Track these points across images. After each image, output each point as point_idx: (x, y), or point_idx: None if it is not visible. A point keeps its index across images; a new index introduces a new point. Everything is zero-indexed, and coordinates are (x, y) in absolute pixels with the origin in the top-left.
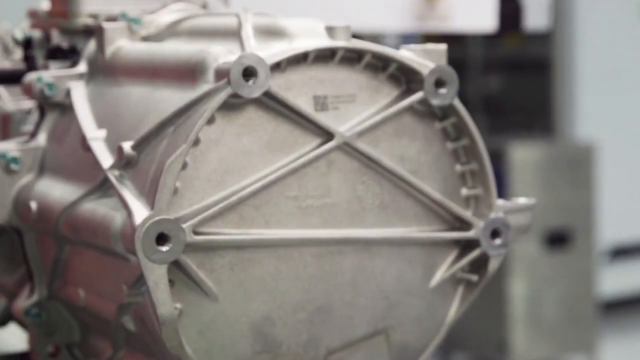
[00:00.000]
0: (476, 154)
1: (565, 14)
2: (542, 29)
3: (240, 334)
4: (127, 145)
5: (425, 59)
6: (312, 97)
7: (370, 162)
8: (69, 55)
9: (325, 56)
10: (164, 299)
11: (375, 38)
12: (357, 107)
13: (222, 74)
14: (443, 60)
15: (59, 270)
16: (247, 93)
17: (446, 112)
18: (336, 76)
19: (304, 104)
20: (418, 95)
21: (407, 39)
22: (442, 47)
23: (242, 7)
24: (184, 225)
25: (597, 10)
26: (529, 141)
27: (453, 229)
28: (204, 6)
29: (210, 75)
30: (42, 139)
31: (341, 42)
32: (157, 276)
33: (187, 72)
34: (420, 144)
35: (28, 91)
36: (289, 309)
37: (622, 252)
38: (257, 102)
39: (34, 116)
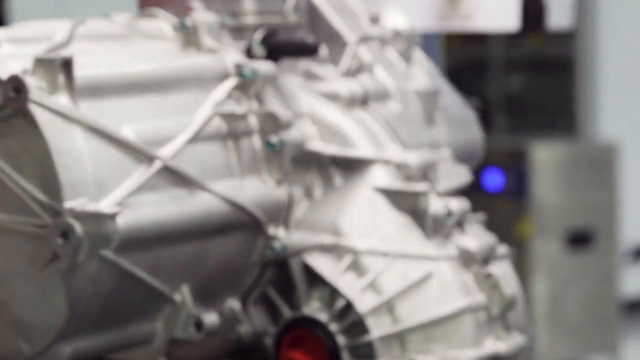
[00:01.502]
0: (47, 162)
1: (588, 13)
2: (565, 28)
3: None
4: None
5: (39, 70)
6: None
7: None
8: None
9: None
10: None
11: None
12: None
13: None
14: (55, 71)
15: None
16: None
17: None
18: None
19: None
20: None
21: (429, 38)
22: (56, 57)
23: None
24: None
25: (620, 9)
26: (551, 141)
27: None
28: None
29: None
30: None
31: None
32: None
33: None
34: (26, 143)
35: None
36: None
37: None
38: None
39: None
